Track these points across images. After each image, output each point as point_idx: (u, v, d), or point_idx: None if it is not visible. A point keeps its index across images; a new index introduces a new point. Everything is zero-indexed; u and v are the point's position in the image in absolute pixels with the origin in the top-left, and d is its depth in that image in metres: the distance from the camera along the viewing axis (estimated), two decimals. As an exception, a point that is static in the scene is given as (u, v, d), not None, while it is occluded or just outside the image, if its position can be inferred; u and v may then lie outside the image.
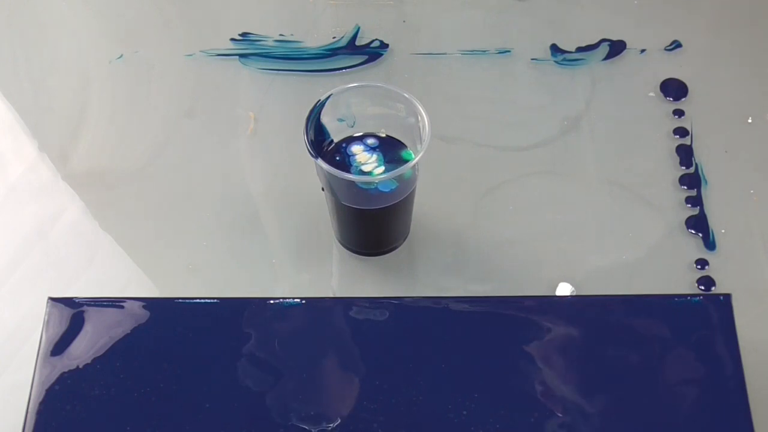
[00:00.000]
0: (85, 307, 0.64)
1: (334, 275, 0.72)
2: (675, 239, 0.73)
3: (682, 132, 0.79)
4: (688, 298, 0.64)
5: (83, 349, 0.62)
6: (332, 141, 0.69)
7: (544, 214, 0.75)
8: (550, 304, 0.65)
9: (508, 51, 0.84)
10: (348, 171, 0.67)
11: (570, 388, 0.60)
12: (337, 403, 0.60)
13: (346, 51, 0.85)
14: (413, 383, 0.61)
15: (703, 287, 0.70)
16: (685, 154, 0.77)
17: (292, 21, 0.86)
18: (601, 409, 0.59)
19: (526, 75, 0.83)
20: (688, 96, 0.80)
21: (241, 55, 0.84)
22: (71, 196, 0.77)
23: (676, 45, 0.84)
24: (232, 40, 0.85)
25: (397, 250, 0.73)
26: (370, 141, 0.69)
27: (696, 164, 0.77)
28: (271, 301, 0.64)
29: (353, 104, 0.68)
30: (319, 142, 0.68)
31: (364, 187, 0.67)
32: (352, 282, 0.72)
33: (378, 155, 0.68)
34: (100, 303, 0.64)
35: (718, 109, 0.80)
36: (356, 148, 0.68)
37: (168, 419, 0.60)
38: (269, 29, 0.86)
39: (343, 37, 0.85)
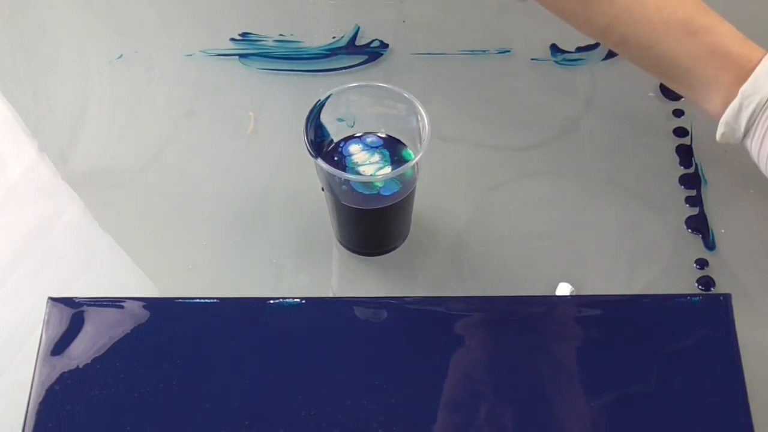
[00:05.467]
0: (85, 307, 0.64)
1: (334, 275, 0.72)
2: (675, 239, 0.73)
3: (681, 132, 0.79)
4: (688, 298, 0.64)
5: (83, 349, 0.62)
6: (332, 141, 0.69)
7: (544, 214, 0.75)
8: (550, 304, 0.65)
9: (508, 51, 0.84)
10: (347, 171, 0.67)
11: (570, 388, 0.60)
12: (337, 402, 0.60)
13: (346, 51, 0.84)
14: (413, 383, 0.61)
15: (703, 287, 0.70)
16: (685, 154, 0.77)
17: (292, 21, 0.86)
18: (601, 409, 0.59)
19: (526, 75, 0.83)
20: (688, 96, 0.80)
21: (241, 55, 0.84)
22: (71, 196, 0.77)
23: (676, 45, 0.84)
24: (232, 40, 0.85)
25: (397, 250, 0.73)
26: (370, 140, 0.69)
27: (696, 164, 0.77)
28: (271, 301, 0.64)
29: (353, 104, 0.68)
30: (319, 142, 0.68)
31: (364, 191, 0.67)
32: (352, 282, 0.72)
33: (382, 154, 0.68)
34: (100, 303, 0.64)
35: (718, 109, 0.80)
36: (354, 148, 0.68)
37: (168, 419, 0.60)
38: (269, 29, 0.86)
39: (343, 37, 0.85)
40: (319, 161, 0.65)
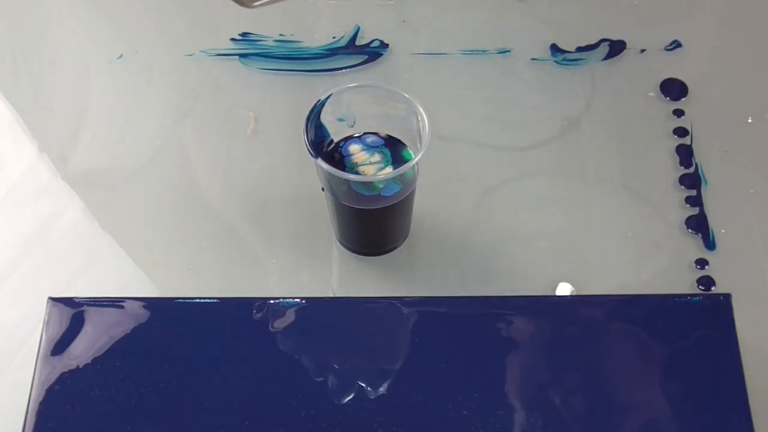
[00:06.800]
0: (85, 307, 0.64)
1: (334, 275, 0.72)
2: (675, 239, 0.73)
3: (682, 132, 0.79)
4: (688, 298, 0.64)
5: (83, 349, 0.62)
6: (332, 141, 0.69)
7: (544, 214, 0.75)
8: (550, 304, 0.65)
9: (508, 51, 0.84)
10: (347, 171, 0.67)
11: (570, 388, 0.60)
12: (337, 402, 0.60)
13: (346, 51, 0.84)
14: (413, 383, 0.61)
15: (703, 287, 0.70)
16: (685, 154, 0.77)
17: (292, 21, 0.86)
18: (601, 409, 0.59)
19: (526, 75, 0.83)
20: (688, 96, 0.81)
21: (241, 55, 0.84)
22: (71, 196, 0.77)
23: (676, 45, 0.84)
24: (232, 40, 0.85)
25: (397, 250, 0.73)
26: (370, 140, 0.69)
27: (696, 164, 0.77)
28: (271, 301, 0.64)
29: (353, 104, 0.68)
30: (319, 142, 0.68)
31: (364, 191, 0.67)
32: (352, 282, 0.72)
33: (383, 154, 0.68)
34: (100, 303, 0.64)
35: (718, 109, 0.80)
36: (354, 148, 0.68)
37: (168, 419, 0.60)
38: (269, 29, 0.86)
39: (343, 37, 0.85)
40: (319, 161, 0.65)
